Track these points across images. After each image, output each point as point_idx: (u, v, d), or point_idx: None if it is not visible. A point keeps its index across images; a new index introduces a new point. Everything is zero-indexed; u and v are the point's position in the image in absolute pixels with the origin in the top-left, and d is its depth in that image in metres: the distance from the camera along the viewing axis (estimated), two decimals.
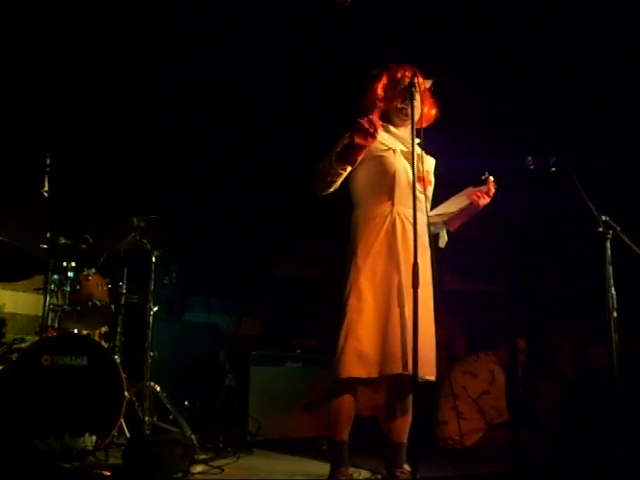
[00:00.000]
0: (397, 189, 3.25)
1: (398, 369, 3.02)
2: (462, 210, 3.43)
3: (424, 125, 3.40)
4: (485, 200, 3.37)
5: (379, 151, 3.28)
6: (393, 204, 3.25)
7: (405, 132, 3.38)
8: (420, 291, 2.95)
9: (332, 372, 3.16)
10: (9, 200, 4.50)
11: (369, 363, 3.08)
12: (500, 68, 4.73)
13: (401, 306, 3.10)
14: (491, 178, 3.39)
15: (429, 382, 3.22)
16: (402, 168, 3.27)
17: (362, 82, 3.46)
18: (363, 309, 3.14)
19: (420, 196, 3.22)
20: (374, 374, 3.09)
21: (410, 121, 3.25)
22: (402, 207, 3.23)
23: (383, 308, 3.14)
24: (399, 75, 3.37)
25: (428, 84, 3.40)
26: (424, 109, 3.41)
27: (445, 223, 3.49)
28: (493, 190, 3.38)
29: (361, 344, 3.10)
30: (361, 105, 3.45)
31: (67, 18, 4.45)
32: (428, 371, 3.15)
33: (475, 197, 3.36)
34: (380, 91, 3.40)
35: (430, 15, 4.38)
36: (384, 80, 3.41)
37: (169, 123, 5.21)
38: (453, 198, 3.48)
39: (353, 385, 3.19)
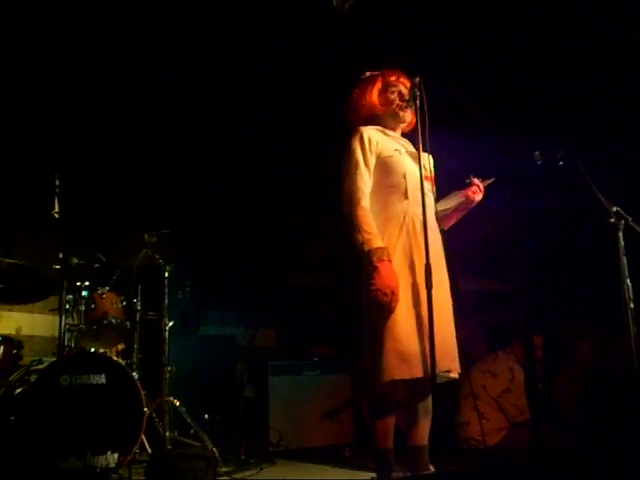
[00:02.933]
0: (410, 189, 3.25)
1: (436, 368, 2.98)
2: (456, 207, 3.43)
3: (407, 130, 3.43)
4: (479, 195, 3.36)
5: (387, 153, 3.30)
6: (409, 204, 3.25)
7: (398, 135, 3.44)
8: (438, 290, 2.97)
9: (373, 378, 3.11)
10: (21, 223, 4.53)
11: (411, 364, 3.05)
12: (502, 63, 4.74)
13: (426, 306, 3.09)
14: (475, 180, 3.38)
15: (451, 380, 3.21)
16: (411, 168, 3.28)
17: (355, 84, 3.49)
18: (392, 310, 3.10)
19: (430, 195, 3.24)
20: (418, 374, 3.05)
21: (402, 124, 3.41)
22: (416, 206, 3.22)
23: (411, 308, 3.13)
24: (393, 79, 3.40)
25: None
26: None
27: (439, 222, 3.47)
28: (482, 188, 3.37)
29: (401, 345, 3.06)
30: (355, 107, 3.47)
31: (73, 41, 4.48)
32: (455, 366, 3.15)
33: (470, 193, 3.36)
34: (375, 96, 3.43)
35: (428, 12, 4.38)
36: (379, 84, 3.43)
37: (177, 137, 5.24)
38: (445, 198, 3.49)
39: (393, 390, 3.19)
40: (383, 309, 3.08)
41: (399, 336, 3.07)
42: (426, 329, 3.02)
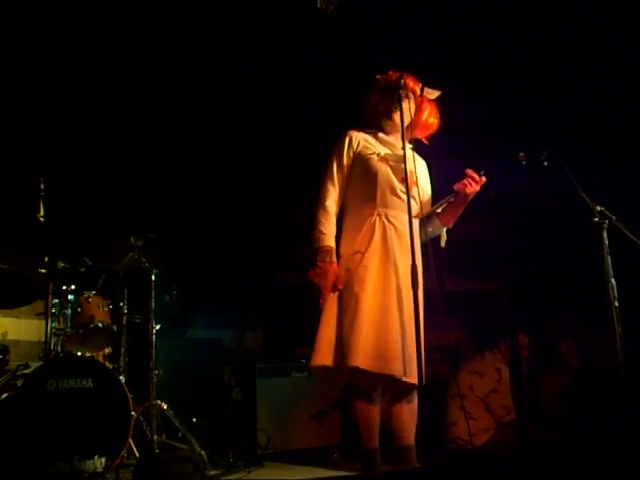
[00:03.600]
0: (379, 191, 3.33)
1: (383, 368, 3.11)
2: (451, 202, 3.44)
3: (420, 134, 3.44)
4: (473, 188, 3.36)
5: (364, 155, 3.36)
6: (375, 206, 3.31)
7: (395, 139, 3.45)
8: (405, 291, 3.09)
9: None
10: (5, 227, 4.50)
11: (328, 354, 3.25)
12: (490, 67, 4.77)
13: (384, 304, 3.16)
14: (469, 171, 3.38)
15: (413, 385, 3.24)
16: (384, 170, 3.33)
17: (368, 87, 3.53)
18: (330, 306, 3.30)
19: (404, 197, 3.25)
20: (329, 363, 3.24)
21: (394, 127, 3.42)
22: (384, 208, 3.32)
23: (366, 305, 3.21)
24: (395, 79, 3.41)
25: (433, 95, 3.44)
26: (422, 116, 3.45)
27: (441, 221, 3.50)
28: (478, 179, 3.37)
29: (326, 333, 3.28)
30: (363, 108, 3.52)
31: (56, 44, 4.46)
32: (409, 373, 3.16)
33: (462, 185, 3.37)
34: (376, 98, 3.45)
35: (412, 13, 4.40)
36: (380, 87, 3.45)
37: (162, 139, 5.22)
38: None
39: (369, 391, 3.21)
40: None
41: (328, 326, 3.28)
42: (380, 327, 3.13)
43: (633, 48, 4.62)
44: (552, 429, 4.57)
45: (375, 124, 3.51)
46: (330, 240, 3.31)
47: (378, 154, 3.37)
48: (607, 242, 3.37)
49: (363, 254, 3.27)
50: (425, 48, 4.44)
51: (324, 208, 3.35)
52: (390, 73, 3.45)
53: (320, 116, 5.10)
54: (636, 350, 3.54)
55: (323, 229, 3.32)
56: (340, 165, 3.38)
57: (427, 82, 3.41)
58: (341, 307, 3.26)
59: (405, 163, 3.12)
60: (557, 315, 5.72)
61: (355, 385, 3.27)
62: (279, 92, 5.05)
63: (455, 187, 3.40)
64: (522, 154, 3.49)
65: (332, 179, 3.38)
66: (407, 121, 3.35)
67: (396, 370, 3.11)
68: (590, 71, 4.81)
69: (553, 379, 5.09)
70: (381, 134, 3.47)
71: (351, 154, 3.38)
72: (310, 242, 3.35)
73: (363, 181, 3.36)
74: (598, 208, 3.42)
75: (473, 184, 3.35)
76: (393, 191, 3.29)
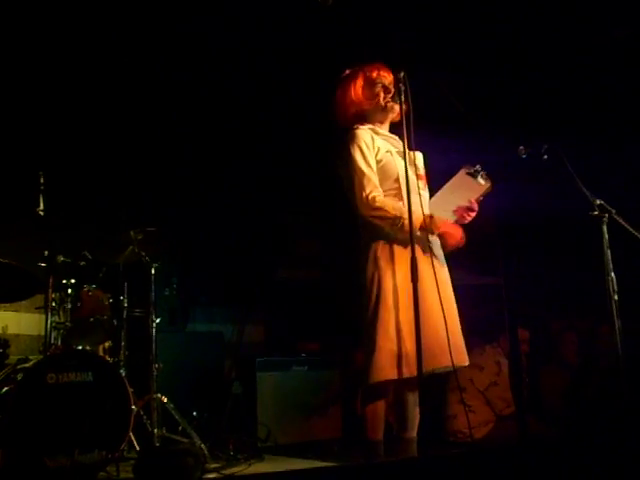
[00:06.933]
0: (404, 190, 3.24)
1: (444, 362, 3.09)
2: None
3: (397, 119, 3.42)
4: (470, 218, 3.34)
5: (379, 157, 3.30)
6: (404, 206, 3.24)
7: (387, 131, 3.44)
8: (443, 287, 3.13)
9: (365, 376, 3.16)
10: (5, 221, 4.50)
11: (401, 364, 3.09)
12: (484, 58, 4.75)
13: (430, 304, 3.12)
14: (475, 203, 3.34)
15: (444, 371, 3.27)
16: (403, 169, 3.28)
17: (337, 83, 3.49)
18: (391, 310, 3.15)
19: (423, 193, 3.25)
20: (407, 374, 3.09)
21: (389, 116, 3.41)
22: (413, 206, 3.24)
23: (411, 309, 3.14)
24: (374, 74, 3.40)
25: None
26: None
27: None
28: (476, 208, 3.33)
29: (395, 345, 3.11)
30: (338, 105, 3.47)
31: (56, 39, 4.46)
32: (463, 359, 3.24)
33: (462, 218, 3.34)
34: (358, 92, 3.41)
35: (411, 6, 4.38)
36: (360, 80, 3.42)
37: (163, 133, 5.21)
38: (447, 186, 3.45)
39: (387, 387, 3.21)
40: (382, 307, 3.14)
41: (392, 336, 3.11)
42: (428, 327, 3.05)
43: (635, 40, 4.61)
44: (552, 422, 4.59)
45: (363, 117, 3.45)
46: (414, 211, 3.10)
47: (391, 152, 3.32)
48: (607, 236, 3.36)
49: (405, 256, 3.12)
50: (417, 37, 4.44)
51: (380, 203, 3.19)
52: (368, 68, 3.41)
53: (320, 114, 5.09)
54: (635, 344, 3.55)
55: (399, 212, 3.16)
56: (369, 164, 3.25)
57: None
58: (405, 313, 3.10)
59: (405, 157, 3.10)
60: (558, 309, 5.72)
61: (368, 386, 3.24)
62: (281, 91, 5.04)
63: (455, 214, 3.33)
64: (522, 147, 3.48)
65: (370, 180, 3.23)
66: (398, 110, 3.33)
67: (410, 371, 3.07)
68: (590, 61, 4.80)
69: (553, 373, 5.10)
70: (377, 127, 3.44)
71: (372, 155, 3.31)
72: (394, 232, 3.17)
73: (385, 182, 3.28)
74: (598, 202, 3.41)
75: (471, 214, 3.32)
76: (414, 189, 3.22)
